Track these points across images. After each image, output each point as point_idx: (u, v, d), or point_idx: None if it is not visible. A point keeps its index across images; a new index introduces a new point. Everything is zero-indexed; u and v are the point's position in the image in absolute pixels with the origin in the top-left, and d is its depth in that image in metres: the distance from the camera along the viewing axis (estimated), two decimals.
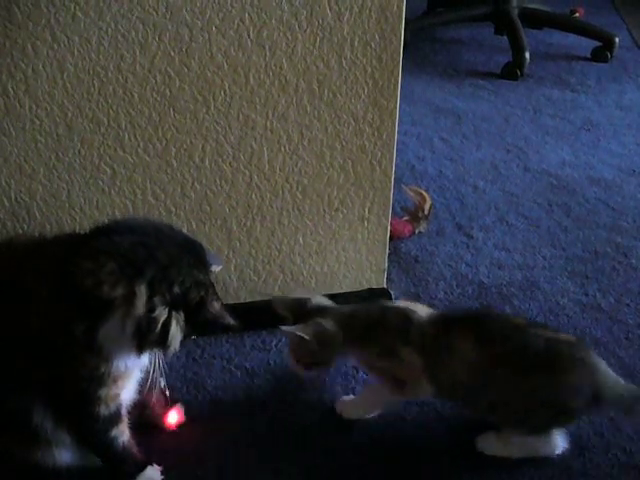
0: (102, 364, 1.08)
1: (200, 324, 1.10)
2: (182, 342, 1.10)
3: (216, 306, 1.10)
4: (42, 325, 1.05)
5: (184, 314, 1.07)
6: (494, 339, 1.24)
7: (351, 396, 1.40)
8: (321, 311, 1.33)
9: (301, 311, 1.34)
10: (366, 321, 1.31)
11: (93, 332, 1.04)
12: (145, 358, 1.17)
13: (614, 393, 1.24)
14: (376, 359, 1.31)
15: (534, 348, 1.22)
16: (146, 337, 1.05)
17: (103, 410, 1.13)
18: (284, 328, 1.29)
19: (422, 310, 1.32)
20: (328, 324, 1.29)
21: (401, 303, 1.40)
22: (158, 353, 1.12)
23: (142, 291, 1.02)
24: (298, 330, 1.28)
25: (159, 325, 1.05)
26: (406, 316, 1.30)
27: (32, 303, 1.06)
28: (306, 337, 1.26)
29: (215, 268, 1.15)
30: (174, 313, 1.06)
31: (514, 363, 1.22)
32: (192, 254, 1.10)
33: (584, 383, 1.22)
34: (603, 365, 1.25)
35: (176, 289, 1.05)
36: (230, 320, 1.13)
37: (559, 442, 1.28)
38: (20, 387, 1.11)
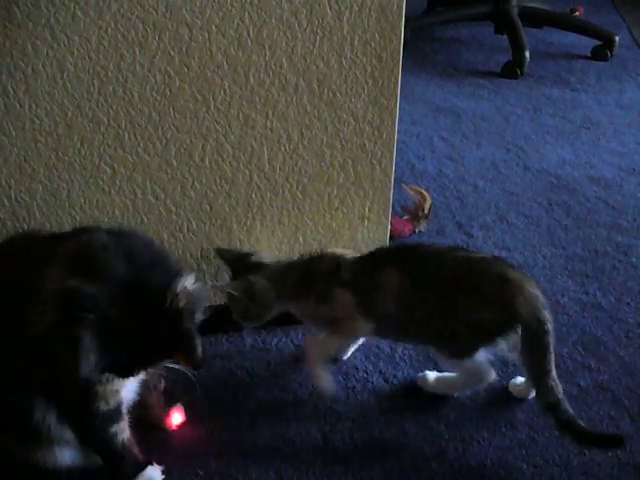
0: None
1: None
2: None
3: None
4: (41, 325, 1.05)
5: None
6: (415, 266, 1.30)
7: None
8: (257, 267, 1.37)
9: (240, 265, 1.39)
10: (299, 273, 1.37)
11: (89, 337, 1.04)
12: None
13: (530, 314, 1.24)
14: (314, 306, 1.35)
15: (451, 269, 1.28)
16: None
17: (103, 406, 1.13)
18: (214, 284, 1.36)
19: (350, 253, 1.39)
20: (258, 280, 1.34)
21: (330, 249, 1.42)
22: None
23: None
24: (227, 287, 1.34)
25: None
26: (335, 260, 1.36)
27: (31, 303, 1.06)
28: (234, 293, 1.33)
29: (175, 291, 1.04)
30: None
31: (434, 286, 1.27)
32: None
33: (499, 298, 1.24)
34: (528, 284, 1.26)
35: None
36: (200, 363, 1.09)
37: (489, 371, 1.34)
38: (20, 386, 1.11)
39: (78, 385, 1.10)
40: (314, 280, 1.35)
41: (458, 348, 1.30)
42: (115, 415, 1.16)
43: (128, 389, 1.18)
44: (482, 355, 1.30)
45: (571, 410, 1.25)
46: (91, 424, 1.16)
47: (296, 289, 1.36)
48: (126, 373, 1.08)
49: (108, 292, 0.99)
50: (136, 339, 1.01)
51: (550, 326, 1.25)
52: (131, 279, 1.01)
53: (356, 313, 1.33)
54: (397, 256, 1.34)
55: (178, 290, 1.02)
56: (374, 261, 1.34)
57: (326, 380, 1.37)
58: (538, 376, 1.26)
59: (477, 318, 1.25)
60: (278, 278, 1.36)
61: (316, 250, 1.40)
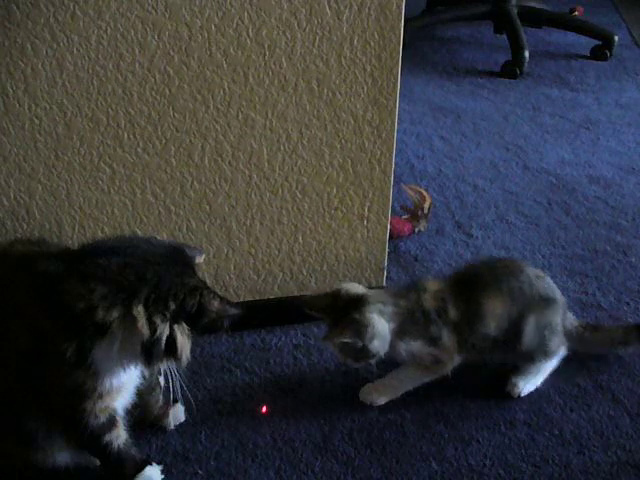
0: (88, 379, 1.08)
1: (206, 326, 1.10)
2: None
3: (215, 304, 1.10)
4: (29, 340, 1.06)
5: (187, 323, 1.08)
6: (506, 285, 1.36)
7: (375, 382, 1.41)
8: (356, 302, 1.30)
9: (334, 307, 1.31)
10: (407, 310, 1.32)
11: (85, 351, 1.05)
12: (136, 377, 1.19)
13: None
14: (422, 347, 1.33)
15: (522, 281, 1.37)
16: (153, 354, 1.07)
17: (92, 420, 1.12)
18: (326, 340, 1.30)
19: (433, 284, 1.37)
20: (371, 317, 1.27)
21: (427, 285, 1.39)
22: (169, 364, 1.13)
23: (141, 313, 1.03)
24: (338, 337, 1.28)
25: (163, 342, 1.06)
26: (439, 296, 1.34)
27: (20, 318, 1.06)
28: (349, 341, 1.27)
29: (199, 260, 1.16)
30: (176, 326, 1.07)
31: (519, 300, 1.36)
32: (177, 262, 1.10)
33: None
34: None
35: (172, 304, 1.06)
36: (233, 310, 1.13)
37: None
38: (10, 397, 1.11)
39: (62, 400, 1.10)
40: (424, 319, 1.32)
41: (549, 350, 1.40)
42: (107, 426, 1.15)
43: (121, 401, 1.17)
44: None
45: None
46: (81, 436, 1.15)
47: (407, 327, 1.31)
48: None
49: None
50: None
51: None
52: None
53: (457, 352, 1.34)
54: (481, 280, 1.36)
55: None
56: (467, 287, 1.35)
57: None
58: None
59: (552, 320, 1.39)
60: (387, 312, 1.30)
61: (411, 283, 1.42)
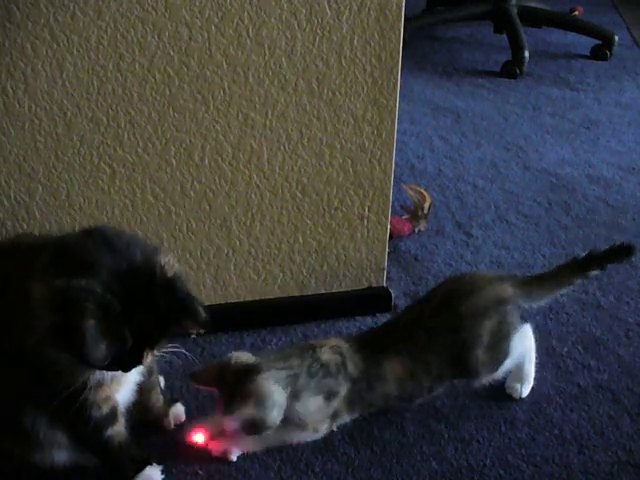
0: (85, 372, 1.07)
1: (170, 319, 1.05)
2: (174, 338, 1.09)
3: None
4: (23, 334, 1.05)
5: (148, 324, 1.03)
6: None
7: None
8: (247, 371, 1.22)
9: (224, 378, 1.22)
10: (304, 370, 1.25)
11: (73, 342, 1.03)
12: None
13: None
14: (320, 404, 1.26)
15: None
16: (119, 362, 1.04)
17: (95, 412, 1.12)
18: (227, 414, 1.20)
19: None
20: (263, 384, 1.20)
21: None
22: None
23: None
24: (243, 409, 1.19)
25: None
26: (339, 352, 1.28)
27: (14, 314, 1.06)
28: (244, 414, 1.19)
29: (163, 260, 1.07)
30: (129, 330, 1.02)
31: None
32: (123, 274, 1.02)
33: None
34: None
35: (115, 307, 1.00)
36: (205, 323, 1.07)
37: None
38: (5, 394, 1.11)
39: (63, 392, 1.09)
40: (323, 373, 1.25)
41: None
42: (109, 420, 1.15)
43: (122, 393, 1.17)
44: None
45: None
46: (84, 430, 1.15)
47: (304, 385, 1.24)
48: (135, 360, 1.06)
49: (98, 280, 0.99)
50: (139, 318, 1.01)
51: None
52: (116, 264, 1.01)
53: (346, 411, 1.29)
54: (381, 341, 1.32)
55: (163, 262, 1.04)
56: (367, 346, 1.30)
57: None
58: None
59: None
60: (281, 378, 1.22)
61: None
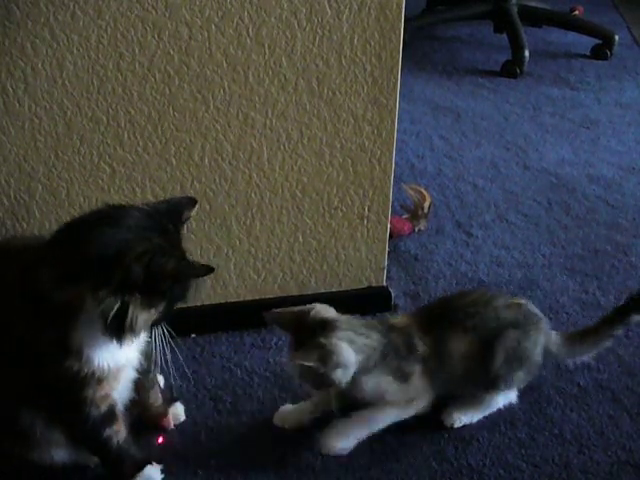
0: (82, 366, 1.07)
1: (163, 291, 1.05)
2: (167, 315, 1.08)
3: (169, 266, 1.03)
4: (19, 332, 1.06)
5: (140, 293, 1.02)
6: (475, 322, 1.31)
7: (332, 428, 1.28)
8: (323, 326, 1.22)
9: (301, 327, 1.23)
10: (378, 343, 1.24)
11: (65, 336, 1.04)
12: (135, 357, 1.17)
13: None
14: (392, 383, 1.25)
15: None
16: (109, 329, 1.02)
17: (93, 411, 1.12)
18: (284, 358, 1.22)
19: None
20: (336, 344, 1.19)
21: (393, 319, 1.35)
22: (158, 350, 1.11)
23: (87, 290, 1.00)
24: (299, 358, 1.19)
25: (111, 316, 1.01)
26: (406, 331, 1.28)
27: (10, 309, 1.06)
28: (310, 364, 1.18)
29: (187, 214, 1.12)
30: (127, 297, 1.01)
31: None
32: (134, 228, 1.04)
33: None
34: None
35: (117, 274, 1.00)
36: (196, 270, 1.07)
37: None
38: (3, 393, 1.11)
39: (62, 390, 1.10)
40: (395, 354, 1.25)
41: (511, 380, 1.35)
42: (108, 418, 1.15)
43: (120, 391, 1.17)
44: None
45: None
46: (82, 429, 1.15)
47: (375, 362, 1.23)
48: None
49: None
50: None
51: None
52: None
53: (430, 388, 1.29)
54: (451, 315, 1.32)
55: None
56: (434, 325, 1.30)
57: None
58: None
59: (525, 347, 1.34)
60: (357, 343, 1.22)
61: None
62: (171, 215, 1.10)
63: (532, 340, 1.34)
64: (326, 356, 1.18)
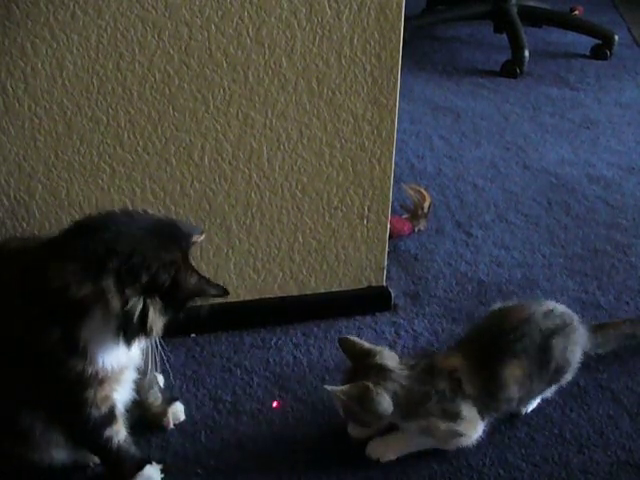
0: (86, 366, 1.07)
1: (181, 302, 1.09)
2: (171, 323, 1.10)
3: (192, 281, 1.08)
4: (21, 332, 1.05)
5: (160, 298, 1.05)
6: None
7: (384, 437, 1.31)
8: (378, 370, 1.24)
9: (362, 363, 1.26)
10: (421, 390, 1.25)
11: (72, 334, 1.04)
12: (136, 358, 1.17)
13: None
14: (438, 423, 1.25)
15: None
16: (127, 329, 1.04)
17: (94, 412, 1.12)
18: (327, 387, 1.23)
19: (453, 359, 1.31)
20: (376, 391, 1.21)
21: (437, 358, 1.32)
22: (154, 351, 1.12)
23: (110, 286, 1.02)
24: (340, 391, 1.22)
25: (136, 315, 1.03)
26: (454, 374, 1.27)
27: (9, 310, 1.06)
28: (343, 398, 1.22)
29: (196, 238, 1.14)
30: (149, 300, 1.04)
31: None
32: (158, 236, 1.08)
33: None
34: None
35: (144, 276, 1.03)
36: (213, 289, 1.11)
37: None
38: (3, 393, 1.11)
39: (64, 390, 1.09)
40: (438, 399, 1.24)
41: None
42: (108, 419, 1.15)
43: (121, 392, 1.17)
44: None
45: None
46: (83, 430, 1.15)
47: (418, 407, 1.24)
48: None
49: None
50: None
51: None
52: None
53: (480, 421, 1.28)
54: (497, 346, 1.31)
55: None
56: (483, 363, 1.29)
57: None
58: None
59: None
60: (399, 391, 1.23)
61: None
62: (184, 234, 1.13)
63: (573, 341, 1.36)
64: (365, 399, 1.21)
